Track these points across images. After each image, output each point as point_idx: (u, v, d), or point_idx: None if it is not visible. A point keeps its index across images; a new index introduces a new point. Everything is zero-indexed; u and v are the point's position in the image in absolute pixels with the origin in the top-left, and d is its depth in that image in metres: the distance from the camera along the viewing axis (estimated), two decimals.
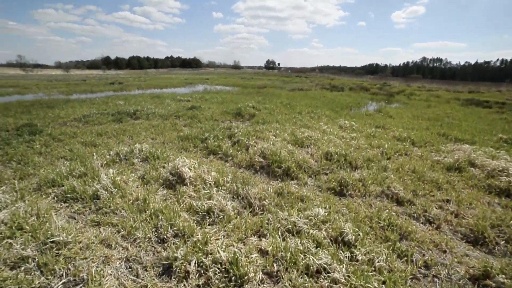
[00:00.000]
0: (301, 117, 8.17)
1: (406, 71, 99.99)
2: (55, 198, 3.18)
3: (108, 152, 4.50)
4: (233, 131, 5.72)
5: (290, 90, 20.35)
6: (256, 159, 4.26)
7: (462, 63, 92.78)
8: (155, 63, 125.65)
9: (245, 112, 8.83)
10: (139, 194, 3.16)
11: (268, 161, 4.16)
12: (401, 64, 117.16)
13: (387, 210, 3.01)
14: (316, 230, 2.47)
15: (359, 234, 2.40)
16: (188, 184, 3.38)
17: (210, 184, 3.37)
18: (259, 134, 5.69)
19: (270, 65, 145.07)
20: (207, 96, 13.63)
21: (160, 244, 2.42)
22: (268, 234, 2.50)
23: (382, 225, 2.67)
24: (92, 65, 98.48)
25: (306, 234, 2.44)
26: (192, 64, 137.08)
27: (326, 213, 2.77)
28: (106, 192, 3.09)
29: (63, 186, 3.45)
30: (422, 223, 2.85)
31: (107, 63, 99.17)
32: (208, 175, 3.58)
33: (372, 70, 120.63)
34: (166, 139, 5.61)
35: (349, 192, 3.50)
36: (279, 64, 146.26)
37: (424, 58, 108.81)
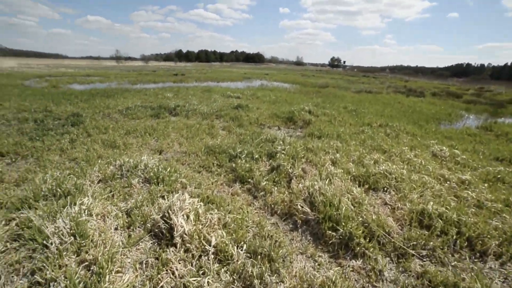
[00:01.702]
0: (371, 131, 6.11)
1: None
2: (8, 232, 2.33)
3: (114, 162, 3.61)
4: (276, 147, 4.24)
5: (356, 92, 17.57)
6: (299, 206, 2.72)
7: None
8: (220, 57, 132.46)
9: (298, 117, 7.23)
10: (105, 249, 2.04)
11: (318, 215, 2.57)
12: (509, 64, 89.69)
13: None
14: None
15: None
16: (179, 245, 2.09)
17: (211, 254, 2.01)
18: (311, 156, 4.07)
19: (334, 63, 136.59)
20: (259, 93, 12.40)
21: None
22: None
23: None
24: (167, 57, 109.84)
25: None
26: (255, 58, 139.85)
27: None
28: (58, 241, 2.05)
29: (35, 209, 2.64)
30: None
31: (179, 56, 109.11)
32: (213, 230, 2.24)
33: (461, 71, 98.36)
34: (191, 149, 4.51)
35: None
36: (344, 62, 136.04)
37: None
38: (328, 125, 6.62)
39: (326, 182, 2.98)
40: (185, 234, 2.12)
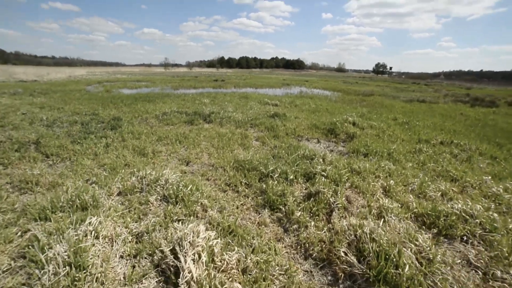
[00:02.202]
0: (431, 150, 5.06)
1: None
2: (18, 247, 2.17)
3: (137, 173, 3.40)
4: (315, 167, 3.63)
5: (407, 101, 15.78)
6: (342, 252, 2.09)
7: None
8: (260, 63, 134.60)
9: (341, 129, 6.46)
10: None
11: (368, 270, 1.92)
12: None
13: None
14: None
15: None
16: None
17: None
18: (357, 180, 3.36)
19: (379, 69, 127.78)
20: (298, 101, 11.79)
21: None
22: None
23: None
24: (210, 64, 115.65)
25: None
26: (295, 65, 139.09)
27: None
28: (52, 271, 1.78)
29: (50, 221, 2.48)
30: None
31: (221, 62, 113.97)
32: (229, 277, 1.76)
33: None
34: (219, 161, 4.15)
35: None
36: (391, 68, 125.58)
37: None
38: (376, 140, 5.73)
39: (380, 223, 2.28)
40: (193, 282, 1.67)
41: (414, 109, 12.05)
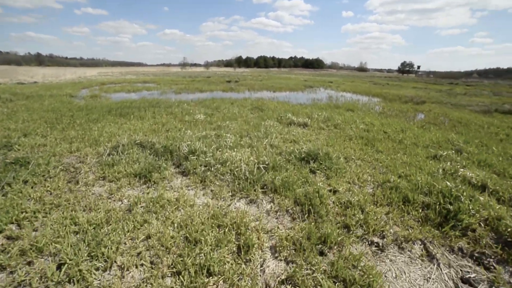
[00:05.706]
0: None
1: None
2: None
3: None
4: None
5: (481, 112, 11.57)
6: None
7: None
8: (279, 63, 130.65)
9: (468, 211, 2.80)
10: None
11: None
12: None
13: None
14: None
15: None
16: None
17: None
18: None
19: (405, 68, 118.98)
20: (337, 117, 8.07)
21: None
22: None
23: None
24: (228, 63, 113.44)
25: None
26: (314, 64, 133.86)
27: None
28: None
29: None
30: None
31: (239, 62, 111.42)
32: None
33: None
34: None
35: None
36: (418, 67, 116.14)
37: None
38: None
39: None
40: None
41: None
